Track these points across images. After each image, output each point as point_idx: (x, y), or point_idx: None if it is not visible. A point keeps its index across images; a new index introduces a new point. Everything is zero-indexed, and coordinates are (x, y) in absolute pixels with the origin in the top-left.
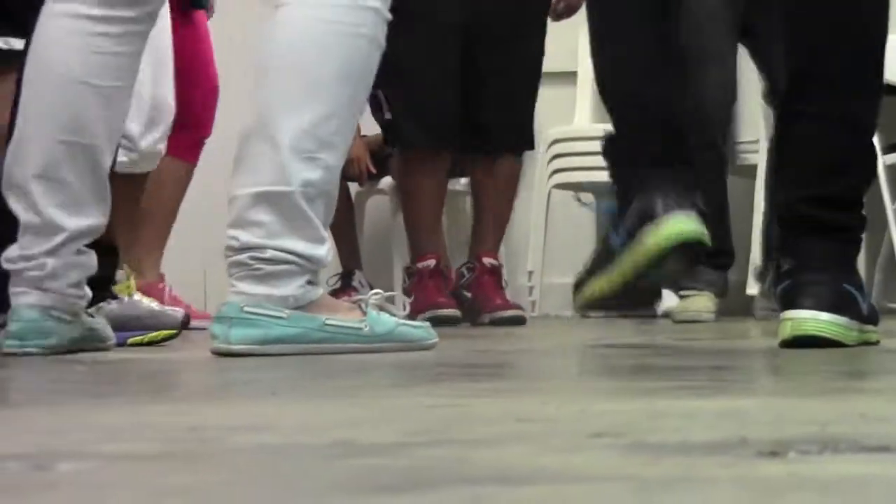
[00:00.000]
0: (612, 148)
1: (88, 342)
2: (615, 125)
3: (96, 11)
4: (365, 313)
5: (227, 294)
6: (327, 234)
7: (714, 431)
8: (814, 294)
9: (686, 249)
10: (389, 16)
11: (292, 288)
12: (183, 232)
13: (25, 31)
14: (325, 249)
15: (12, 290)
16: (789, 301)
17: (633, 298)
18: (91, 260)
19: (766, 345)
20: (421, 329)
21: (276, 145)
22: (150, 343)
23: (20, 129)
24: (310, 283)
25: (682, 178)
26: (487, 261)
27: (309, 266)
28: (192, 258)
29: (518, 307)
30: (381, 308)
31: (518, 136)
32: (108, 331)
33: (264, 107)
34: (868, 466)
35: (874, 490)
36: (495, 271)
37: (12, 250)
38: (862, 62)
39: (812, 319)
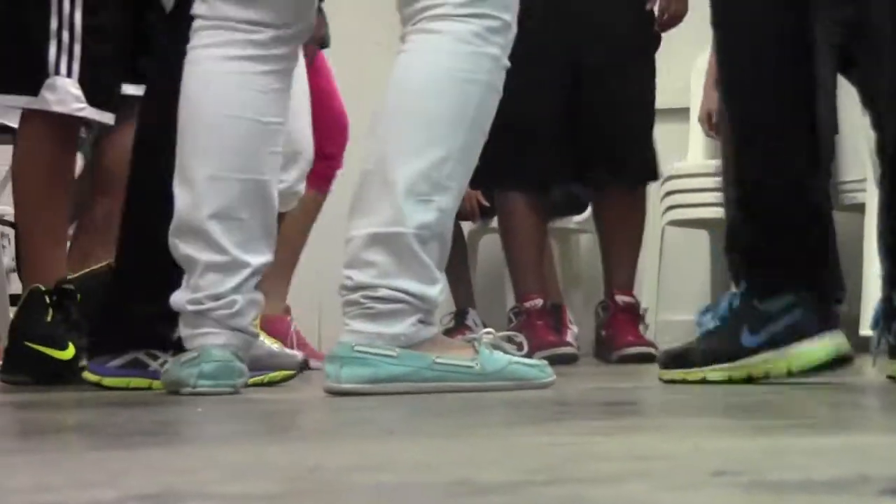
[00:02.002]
0: (738, 256)
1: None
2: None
3: (251, 51)
4: (477, 351)
5: (340, 333)
6: (440, 276)
7: (834, 468)
8: None
9: (839, 364)
10: (508, 63)
11: (404, 327)
12: (299, 270)
13: (138, 76)
14: (438, 290)
15: (195, 331)
16: None
17: None
18: (261, 298)
19: (881, 381)
20: (535, 368)
21: (391, 187)
22: (268, 383)
23: (183, 174)
24: (422, 322)
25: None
26: (621, 299)
27: (421, 305)
28: (307, 297)
29: (651, 344)
30: (494, 346)
31: (636, 168)
32: (244, 372)
33: (381, 150)
34: None
35: None
36: (630, 309)
37: (183, 293)
38: None
39: None
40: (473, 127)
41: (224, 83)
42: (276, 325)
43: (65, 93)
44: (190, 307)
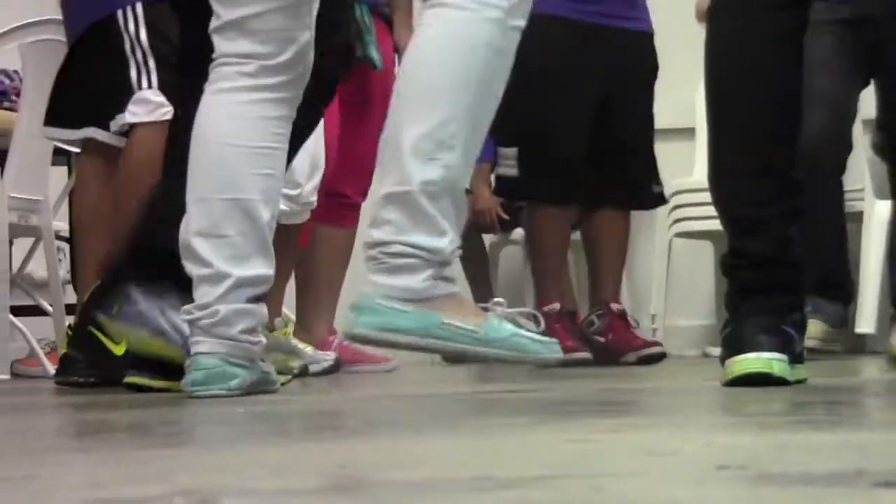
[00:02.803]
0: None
1: (262, 385)
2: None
3: (241, 83)
4: (485, 318)
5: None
6: (451, 228)
7: (833, 463)
8: None
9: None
10: (519, 23)
11: (417, 280)
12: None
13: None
14: (447, 241)
15: (190, 340)
16: None
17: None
18: (262, 310)
19: (881, 381)
20: (540, 343)
21: (398, 151)
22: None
23: (188, 194)
24: (436, 278)
25: (781, 306)
26: (615, 306)
27: (433, 258)
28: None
29: (659, 344)
30: (508, 318)
31: (647, 192)
32: (276, 375)
33: (393, 119)
34: None
35: None
36: (623, 315)
37: (188, 307)
38: None
39: None
40: (479, 89)
41: (215, 114)
42: (320, 347)
43: (148, 102)
44: (184, 317)
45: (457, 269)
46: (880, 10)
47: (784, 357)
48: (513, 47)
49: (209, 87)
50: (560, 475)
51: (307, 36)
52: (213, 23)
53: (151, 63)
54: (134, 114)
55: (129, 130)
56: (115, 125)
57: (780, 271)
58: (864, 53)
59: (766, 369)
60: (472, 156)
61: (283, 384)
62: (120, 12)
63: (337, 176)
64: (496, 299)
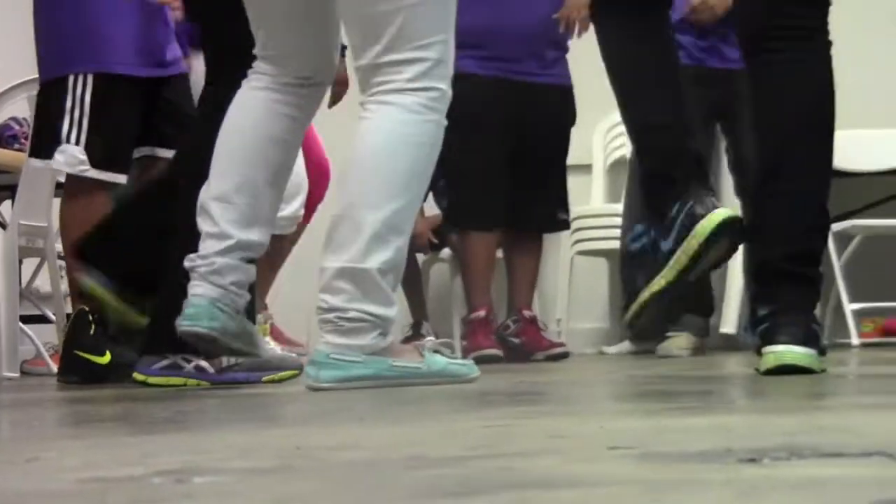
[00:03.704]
0: (649, 181)
1: (243, 341)
2: (649, 160)
3: (273, 85)
4: (423, 356)
5: (318, 343)
6: (395, 298)
7: (706, 443)
8: (791, 333)
9: (731, 228)
10: (446, 122)
11: (367, 339)
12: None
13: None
14: (394, 310)
15: (189, 284)
16: (770, 338)
17: (688, 291)
18: (252, 271)
19: (743, 373)
20: (465, 367)
21: (359, 232)
22: (279, 381)
23: (212, 168)
24: (381, 334)
25: (709, 189)
26: (527, 313)
27: (381, 323)
28: (299, 308)
29: (563, 345)
30: (435, 351)
31: (555, 219)
32: (263, 343)
33: (349, 200)
34: (826, 469)
35: (831, 488)
36: (534, 321)
37: (192, 255)
38: (823, 150)
39: (789, 352)
40: (422, 179)
41: (247, 106)
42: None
43: (69, 155)
44: (186, 263)
45: None
46: (724, 73)
47: (815, 353)
48: (441, 142)
49: (247, 84)
50: (478, 455)
51: (333, 62)
52: (259, 51)
53: (85, 123)
54: (57, 161)
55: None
56: (50, 164)
57: (682, 161)
58: (709, 105)
59: (807, 363)
60: (409, 236)
61: (290, 378)
62: (72, 75)
63: None
64: (428, 338)
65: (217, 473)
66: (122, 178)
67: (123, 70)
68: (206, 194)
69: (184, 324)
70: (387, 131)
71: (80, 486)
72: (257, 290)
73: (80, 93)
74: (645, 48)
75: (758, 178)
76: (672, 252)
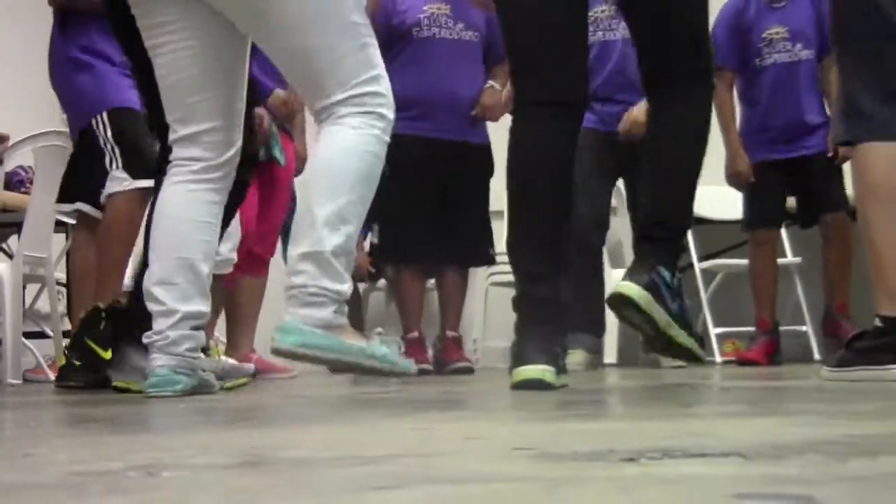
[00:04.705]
0: (518, 306)
1: (202, 388)
2: (521, 291)
3: (191, 177)
4: (370, 340)
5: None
6: (348, 277)
7: (593, 445)
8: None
9: (530, 385)
10: (387, 138)
11: (326, 312)
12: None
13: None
14: (347, 286)
15: (149, 356)
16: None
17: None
18: (201, 336)
19: (628, 386)
20: (403, 361)
21: (313, 222)
22: (234, 388)
23: (150, 256)
24: (338, 312)
25: (552, 333)
26: (450, 334)
27: (336, 297)
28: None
29: (468, 360)
30: (383, 342)
31: (480, 255)
32: (214, 381)
33: (308, 198)
34: (692, 468)
35: (695, 483)
36: (456, 340)
37: (149, 333)
38: (690, 203)
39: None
40: (367, 181)
41: (172, 199)
42: (244, 360)
43: (116, 179)
44: (145, 340)
45: None
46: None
47: (552, 368)
48: (384, 154)
49: (168, 181)
50: (403, 454)
51: (238, 144)
52: (172, 136)
53: (117, 151)
54: (110, 187)
55: (107, 202)
56: (102, 198)
57: (553, 309)
58: (614, 162)
59: (540, 377)
60: (359, 228)
61: (232, 387)
62: (93, 120)
63: (254, 241)
64: (378, 329)
65: (182, 469)
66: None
67: (132, 105)
68: (150, 281)
69: (150, 391)
70: (337, 144)
71: (64, 479)
72: (244, 335)
73: (104, 130)
74: (544, 170)
75: (643, 223)
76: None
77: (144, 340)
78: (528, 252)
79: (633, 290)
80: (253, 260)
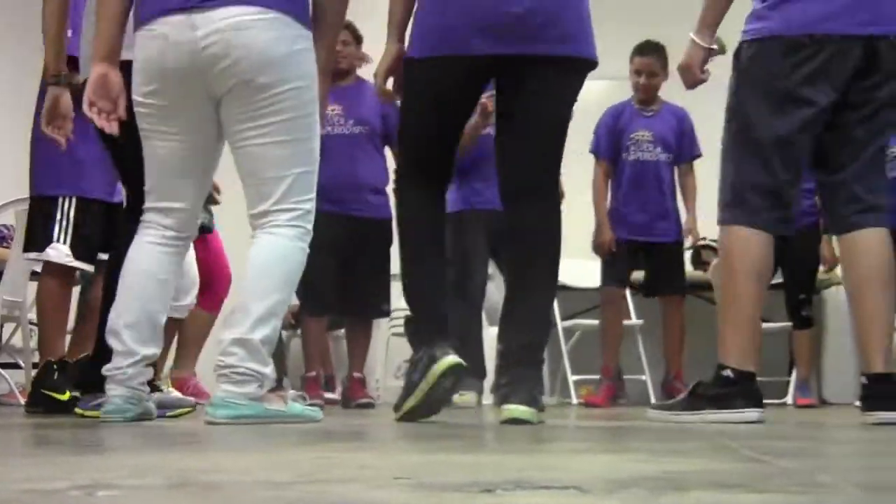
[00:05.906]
0: (411, 328)
1: (146, 415)
2: (414, 315)
3: (161, 240)
4: (286, 403)
5: (216, 390)
6: (270, 361)
7: (459, 476)
8: (520, 396)
9: (454, 371)
10: (308, 250)
11: (251, 388)
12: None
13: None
14: (270, 369)
15: (107, 387)
16: (505, 399)
17: (433, 407)
18: (150, 372)
19: (493, 423)
20: (315, 412)
21: (248, 314)
22: (178, 416)
23: (117, 303)
24: (260, 386)
25: (448, 340)
26: (356, 374)
27: (260, 378)
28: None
29: (370, 397)
30: (294, 400)
31: (378, 309)
32: (154, 409)
33: (244, 294)
34: (543, 498)
35: None
36: (360, 381)
37: (108, 367)
38: (553, 273)
39: (517, 409)
40: (293, 283)
41: (139, 256)
42: (183, 381)
43: (60, 251)
44: (105, 372)
45: None
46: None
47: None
48: (305, 259)
49: (141, 236)
50: (305, 480)
51: (201, 216)
52: (149, 201)
53: (70, 230)
54: (48, 255)
55: (44, 269)
56: (42, 256)
57: (441, 340)
58: (488, 236)
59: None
60: (281, 320)
61: (177, 416)
62: (61, 197)
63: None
64: (291, 391)
65: (116, 489)
66: (90, 268)
67: (97, 196)
68: (118, 322)
69: (105, 416)
70: (271, 250)
71: (17, 496)
72: (188, 357)
73: (67, 209)
74: (427, 223)
75: (509, 294)
76: (419, 380)
77: (104, 372)
78: (417, 293)
79: (527, 413)
80: (210, 296)
